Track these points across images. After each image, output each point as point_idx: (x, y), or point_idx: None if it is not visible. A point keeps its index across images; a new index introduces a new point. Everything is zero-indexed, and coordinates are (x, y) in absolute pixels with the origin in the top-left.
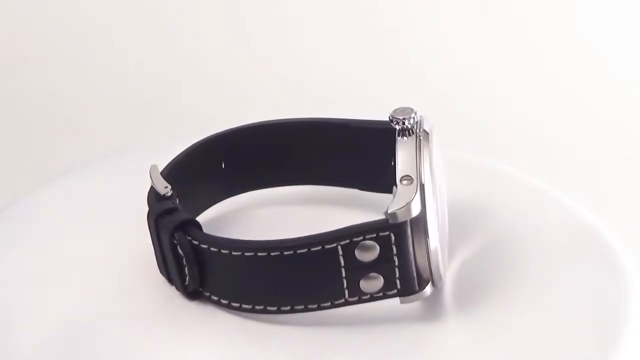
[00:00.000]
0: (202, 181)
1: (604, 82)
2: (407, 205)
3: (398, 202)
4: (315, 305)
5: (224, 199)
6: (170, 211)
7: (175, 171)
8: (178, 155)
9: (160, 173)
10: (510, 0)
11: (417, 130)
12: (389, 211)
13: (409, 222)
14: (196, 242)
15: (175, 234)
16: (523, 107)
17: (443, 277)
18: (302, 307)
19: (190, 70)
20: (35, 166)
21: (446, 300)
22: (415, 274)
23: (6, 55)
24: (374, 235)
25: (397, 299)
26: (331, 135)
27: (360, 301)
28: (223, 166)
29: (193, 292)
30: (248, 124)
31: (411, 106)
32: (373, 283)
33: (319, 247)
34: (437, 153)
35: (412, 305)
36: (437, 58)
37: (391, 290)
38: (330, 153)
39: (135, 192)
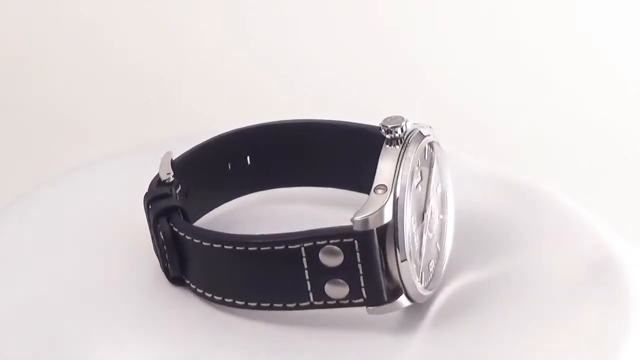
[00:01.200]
0: (210, 179)
1: (604, 82)
2: (373, 214)
3: (365, 210)
4: (281, 305)
5: (232, 198)
6: (163, 196)
7: (185, 164)
8: (190, 149)
9: (173, 161)
10: (510, 0)
11: (407, 140)
12: (354, 218)
13: (375, 231)
14: (176, 230)
15: (159, 219)
16: (523, 107)
17: (422, 292)
18: (268, 305)
19: (190, 70)
20: (35, 166)
21: (424, 317)
22: (383, 285)
23: (6, 55)
24: (338, 240)
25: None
26: (336, 137)
27: (326, 306)
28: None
29: (175, 278)
30: (257, 124)
31: (402, 115)
32: (338, 289)
33: (283, 247)
34: (442, 163)
35: (386, 317)
36: (438, 58)
37: (357, 298)
38: (335, 155)
39: (136, 192)
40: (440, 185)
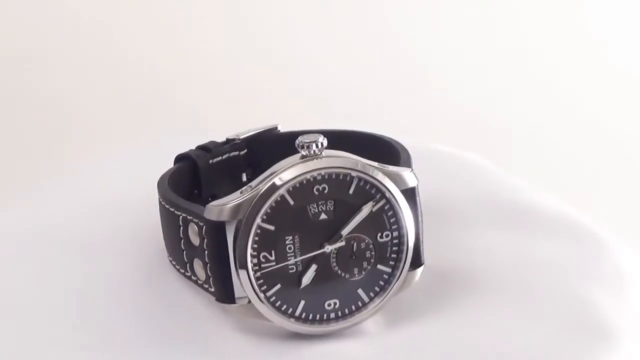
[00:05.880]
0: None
1: (603, 83)
2: (214, 206)
3: (220, 199)
4: (179, 267)
5: None
6: (202, 148)
7: (262, 141)
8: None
9: (263, 131)
10: (510, 1)
11: (311, 159)
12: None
13: (224, 224)
14: None
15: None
16: (523, 107)
17: (281, 317)
18: (175, 263)
19: (192, 70)
20: (35, 166)
21: (283, 344)
22: (229, 284)
23: (6, 55)
24: (197, 221)
25: None
26: (369, 146)
27: (198, 285)
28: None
29: None
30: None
31: (319, 133)
32: (200, 270)
33: (173, 210)
34: (402, 212)
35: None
36: (438, 59)
37: (211, 287)
38: None
39: (136, 192)
40: (388, 234)
